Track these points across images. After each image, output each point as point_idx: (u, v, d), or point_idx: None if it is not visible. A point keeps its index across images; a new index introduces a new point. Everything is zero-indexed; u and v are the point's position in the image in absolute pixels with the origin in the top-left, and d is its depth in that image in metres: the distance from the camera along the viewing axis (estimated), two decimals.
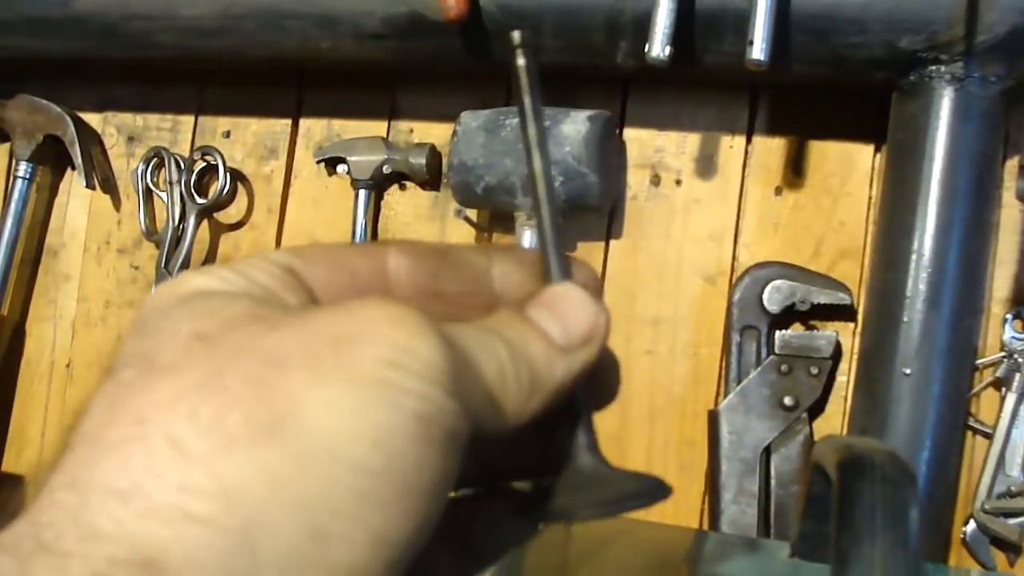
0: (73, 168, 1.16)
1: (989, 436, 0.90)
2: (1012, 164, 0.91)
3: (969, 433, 0.91)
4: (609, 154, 0.96)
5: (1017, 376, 0.90)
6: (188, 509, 0.24)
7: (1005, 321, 0.91)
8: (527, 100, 0.34)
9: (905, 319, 0.82)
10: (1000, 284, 0.92)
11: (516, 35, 0.34)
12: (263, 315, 0.28)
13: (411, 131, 1.07)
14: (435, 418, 0.26)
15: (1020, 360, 0.90)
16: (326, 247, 0.34)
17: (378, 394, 0.26)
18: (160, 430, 0.25)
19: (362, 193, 1.05)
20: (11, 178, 1.17)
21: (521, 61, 0.34)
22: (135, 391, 0.26)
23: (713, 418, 0.93)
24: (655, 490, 0.33)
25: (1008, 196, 0.91)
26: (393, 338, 0.27)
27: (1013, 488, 0.90)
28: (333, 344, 0.27)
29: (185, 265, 1.10)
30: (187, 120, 1.15)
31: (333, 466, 0.25)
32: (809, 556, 0.57)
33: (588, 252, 1.01)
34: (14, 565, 0.23)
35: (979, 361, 0.90)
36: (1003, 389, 0.91)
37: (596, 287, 0.34)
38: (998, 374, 0.91)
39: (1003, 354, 0.91)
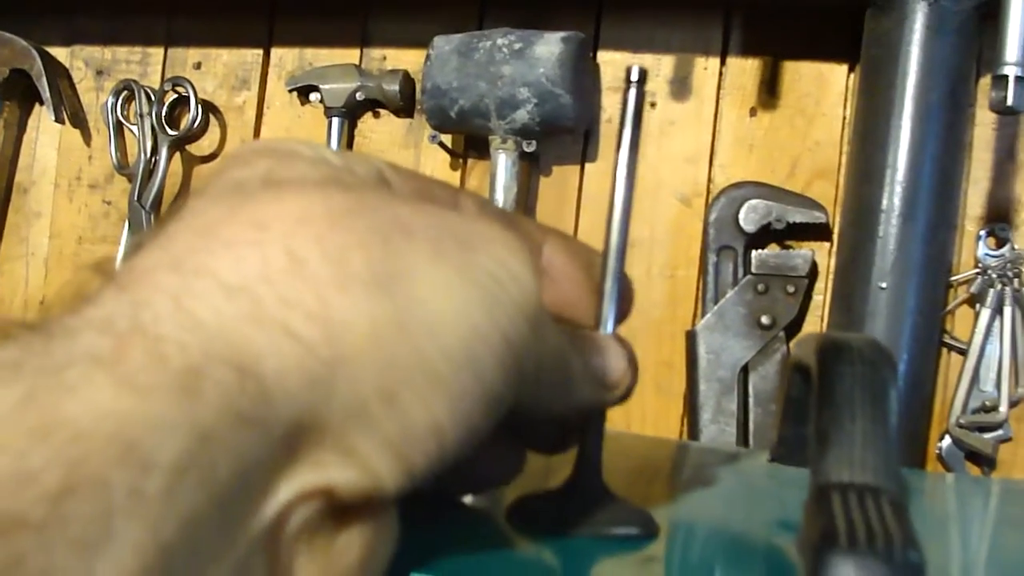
0: (41, 103, 1.14)
1: (964, 352, 0.91)
2: (986, 81, 0.91)
3: (944, 350, 0.91)
4: (583, 76, 0.95)
5: (991, 292, 0.91)
6: (291, 326, 0.24)
7: (979, 238, 0.92)
8: (628, 132, 0.35)
9: (880, 233, 0.82)
10: (974, 202, 0.92)
11: (636, 70, 0.35)
12: (389, 193, 0.29)
13: (384, 58, 1.06)
14: (515, 346, 0.27)
15: (994, 276, 0.91)
16: (412, 173, 0.34)
17: (483, 299, 0.26)
18: (282, 241, 0.24)
19: (335, 121, 1.04)
20: None
21: (633, 95, 0.35)
22: (259, 200, 0.26)
23: (691, 338, 0.93)
24: (647, 524, 0.35)
25: (982, 114, 0.91)
26: (509, 263, 0.27)
27: (987, 403, 0.91)
28: (456, 238, 0.27)
29: (158, 199, 1.09)
30: (156, 52, 1.14)
31: (426, 341, 0.25)
32: (788, 460, 0.57)
33: (564, 175, 1.00)
34: (110, 345, 0.22)
35: (953, 278, 0.91)
36: (977, 305, 0.91)
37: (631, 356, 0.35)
38: (972, 290, 0.91)
39: (977, 270, 0.92)
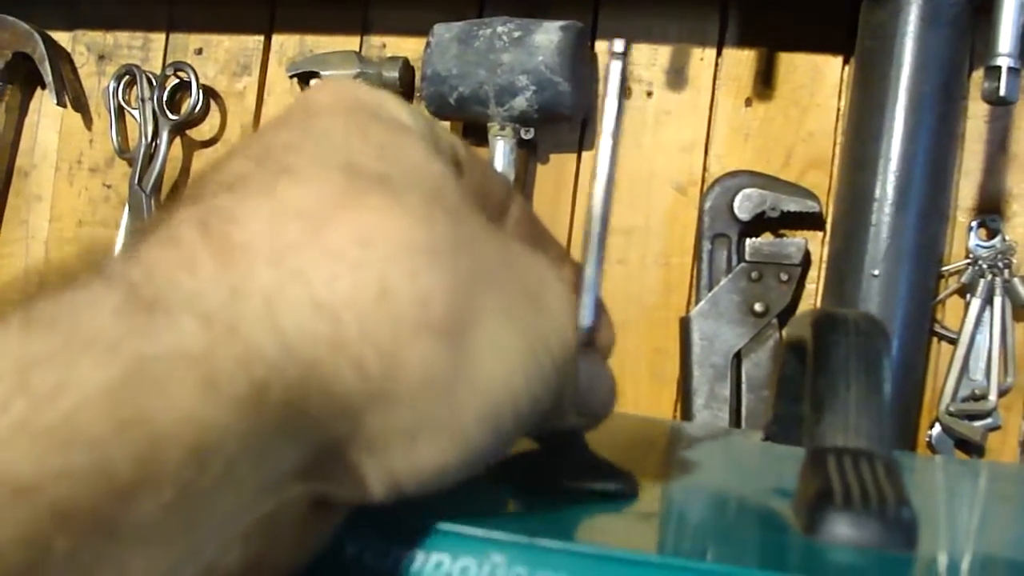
0: (43, 87, 1.15)
1: (954, 342, 0.92)
2: (978, 74, 0.93)
3: (935, 339, 0.93)
4: (582, 65, 0.96)
5: (981, 282, 0.92)
6: (360, 359, 0.25)
7: (970, 229, 0.93)
8: (612, 104, 0.35)
9: (873, 222, 0.84)
10: (966, 193, 0.93)
11: (619, 43, 0.34)
12: (481, 219, 0.29)
13: (383, 46, 1.07)
14: (540, 404, 0.29)
15: (985, 267, 0.92)
16: (479, 158, 0.35)
17: (530, 366, 0.28)
18: (380, 268, 0.25)
19: None
20: None
21: (617, 69, 0.35)
22: (369, 204, 0.26)
23: (684, 325, 0.94)
24: (628, 482, 0.36)
25: (974, 107, 0.92)
26: (561, 322, 0.29)
27: (977, 392, 0.92)
28: (527, 291, 0.28)
29: (158, 182, 1.10)
30: (158, 38, 1.14)
31: (468, 399, 0.26)
32: (782, 439, 0.58)
33: (560, 163, 1.01)
34: (203, 341, 0.23)
35: (945, 268, 0.92)
36: (968, 295, 0.93)
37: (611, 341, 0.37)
38: (963, 280, 0.93)
39: (968, 261, 0.93)
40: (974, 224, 0.93)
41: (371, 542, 0.29)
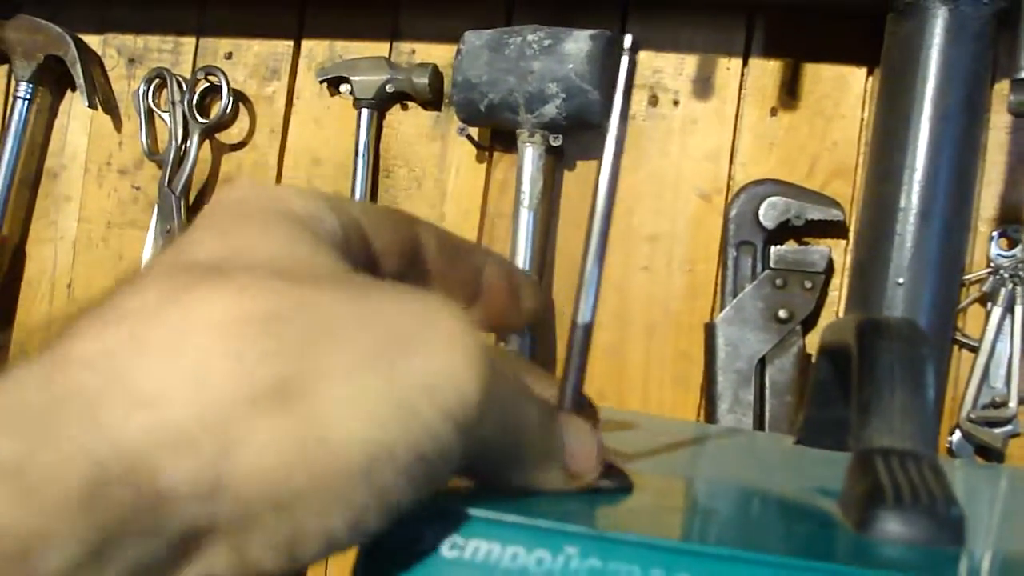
0: (73, 90, 1.17)
1: (975, 349, 0.94)
2: (1001, 86, 0.94)
3: (956, 347, 0.94)
4: (610, 73, 0.98)
5: (1003, 291, 0.93)
6: (191, 441, 0.24)
7: (992, 239, 0.94)
8: (619, 99, 0.35)
9: (898, 231, 0.85)
10: (987, 203, 0.95)
11: (628, 39, 0.34)
12: (342, 277, 0.29)
13: (413, 52, 1.08)
14: (430, 458, 0.27)
15: (1006, 276, 0.93)
16: (386, 211, 0.35)
17: (399, 415, 0.26)
18: (197, 353, 0.25)
19: (364, 113, 1.07)
20: (11, 99, 1.18)
21: (626, 64, 0.34)
22: (193, 296, 0.26)
23: (709, 331, 0.96)
24: (621, 479, 0.35)
25: (996, 118, 0.94)
26: (447, 365, 0.27)
27: (997, 399, 0.93)
28: (392, 339, 0.27)
29: (187, 185, 1.11)
30: (188, 41, 1.16)
31: (323, 458, 0.25)
32: (814, 443, 0.59)
33: (587, 170, 1.03)
34: (19, 452, 0.23)
35: (966, 277, 0.93)
36: (989, 304, 0.94)
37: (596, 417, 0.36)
38: (984, 289, 0.94)
39: (989, 270, 0.94)
40: (995, 234, 0.94)
41: (447, 535, 0.30)
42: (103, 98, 1.17)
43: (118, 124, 1.18)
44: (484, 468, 0.31)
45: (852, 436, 0.41)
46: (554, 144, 0.97)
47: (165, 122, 1.13)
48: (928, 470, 0.37)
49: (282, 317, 0.26)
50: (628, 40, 0.34)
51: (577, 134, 1.00)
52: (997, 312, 0.93)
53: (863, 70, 0.98)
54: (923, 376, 0.42)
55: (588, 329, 0.35)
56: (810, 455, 0.58)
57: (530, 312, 0.38)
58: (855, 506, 0.35)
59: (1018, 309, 0.93)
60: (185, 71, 1.15)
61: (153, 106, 1.14)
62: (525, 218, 0.98)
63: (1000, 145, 0.95)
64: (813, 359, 0.93)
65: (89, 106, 1.14)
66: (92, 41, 1.18)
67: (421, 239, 0.35)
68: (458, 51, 0.98)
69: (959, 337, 0.94)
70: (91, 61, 1.16)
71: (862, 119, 0.97)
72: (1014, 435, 0.93)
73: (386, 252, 0.33)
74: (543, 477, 0.32)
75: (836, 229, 0.96)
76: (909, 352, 0.42)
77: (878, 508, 0.34)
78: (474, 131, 1.03)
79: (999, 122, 0.94)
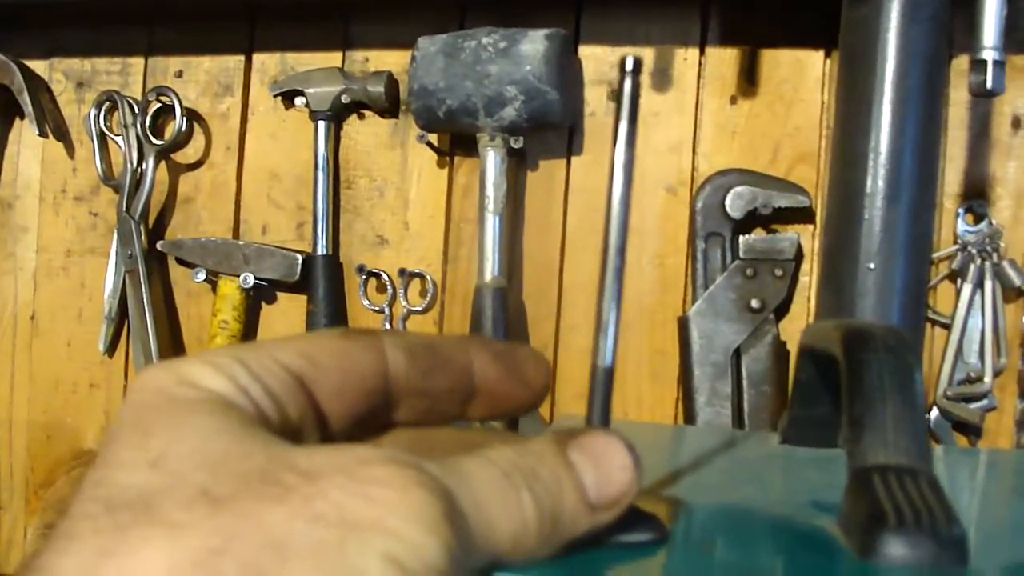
0: (22, 118, 1.15)
1: (947, 326, 0.94)
2: (958, 62, 0.94)
3: (928, 325, 0.94)
4: (568, 71, 0.97)
5: (972, 267, 0.94)
6: None
7: (958, 215, 0.95)
8: (624, 125, 0.33)
9: (866, 216, 0.84)
10: (950, 180, 0.95)
11: (630, 60, 0.33)
12: (275, 474, 0.26)
13: (366, 60, 1.07)
14: None
15: (974, 251, 0.94)
16: (334, 346, 0.33)
17: None
18: None
19: (321, 124, 1.05)
20: None
21: (628, 86, 0.33)
22: (122, 552, 0.25)
23: (683, 324, 0.95)
24: (657, 528, 0.34)
25: (955, 94, 0.94)
26: (403, 533, 0.26)
27: (972, 374, 0.94)
28: (340, 531, 0.25)
29: (146, 208, 1.10)
30: (137, 62, 1.14)
31: None
32: (799, 441, 0.59)
33: (551, 169, 1.02)
34: None
35: (935, 255, 0.94)
36: (959, 280, 0.94)
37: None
38: (954, 266, 0.94)
39: (957, 246, 0.94)
40: (961, 210, 0.95)
41: None
42: (53, 125, 1.14)
43: (70, 150, 1.16)
44: (506, 565, 0.30)
45: (847, 452, 0.40)
46: (515, 146, 0.96)
47: (119, 145, 1.11)
48: (925, 486, 0.37)
49: (222, 551, 0.24)
50: (630, 62, 0.33)
51: (538, 134, 0.99)
52: (967, 288, 0.93)
53: (820, 53, 0.98)
54: (913, 387, 0.41)
55: (609, 373, 0.34)
56: (799, 456, 0.58)
57: (538, 388, 0.36)
58: (857, 530, 0.35)
59: (988, 284, 0.93)
60: (136, 92, 1.13)
61: (105, 130, 1.12)
62: (491, 222, 0.97)
63: (960, 121, 0.95)
64: (793, 353, 0.94)
65: (40, 135, 1.12)
66: (38, 66, 1.16)
67: (387, 359, 0.33)
68: (413, 58, 0.97)
69: (931, 315, 0.94)
70: (38, 88, 1.14)
71: (822, 102, 0.97)
72: (990, 409, 0.94)
73: (339, 395, 0.32)
74: (570, 529, 0.31)
75: (803, 215, 0.96)
76: (896, 363, 0.42)
77: (881, 532, 0.34)
78: (433, 137, 1.02)
79: (958, 98, 0.94)
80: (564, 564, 0.31)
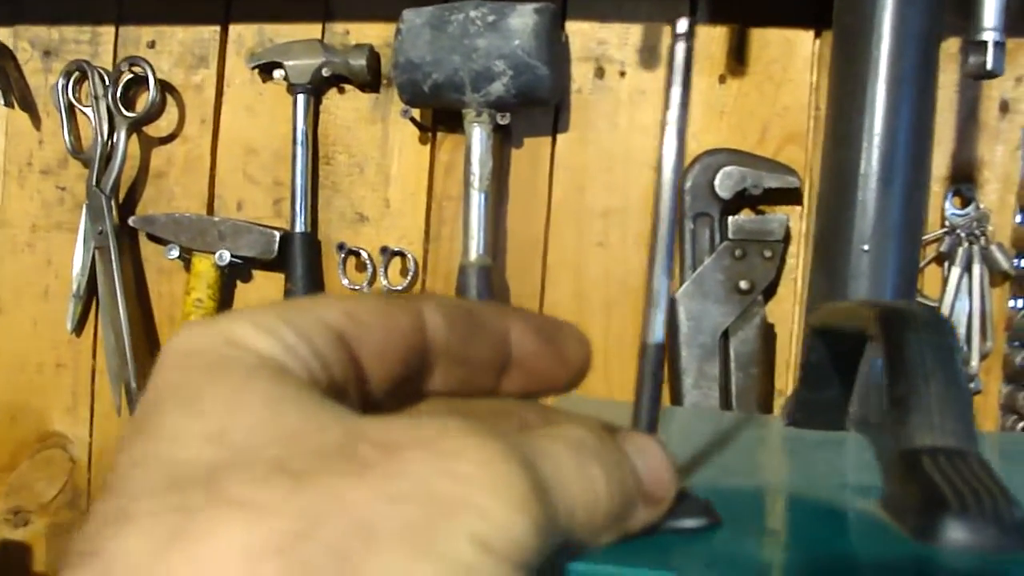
0: None
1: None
2: (947, 45, 0.93)
3: None
4: (556, 47, 0.95)
5: (960, 251, 0.93)
6: None
7: (945, 198, 0.94)
8: (677, 91, 0.32)
9: (860, 197, 0.84)
10: (938, 163, 0.94)
11: (683, 23, 0.31)
12: (352, 447, 0.24)
13: (347, 33, 1.05)
14: None
15: (962, 235, 0.93)
16: (376, 305, 0.31)
17: (447, 562, 0.23)
18: None
19: (300, 98, 1.03)
20: None
21: (681, 50, 0.31)
22: (196, 534, 0.23)
23: (670, 305, 0.94)
24: (710, 513, 0.33)
25: (944, 77, 0.93)
26: (491, 511, 0.24)
27: None
28: (426, 512, 0.23)
29: (117, 182, 1.07)
30: (107, 31, 1.11)
31: None
32: (808, 424, 0.58)
33: (536, 147, 1.00)
34: None
35: (923, 238, 0.93)
36: (946, 264, 0.94)
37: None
38: (942, 249, 0.94)
39: (945, 230, 0.94)
40: (949, 193, 0.94)
41: None
42: (19, 95, 1.11)
43: (36, 121, 1.12)
44: (569, 550, 0.28)
45: (890, 433, 0.39)
46: (502, 123, 0.95)
47: (88, 117, 1.08)
48: (978, 468, 0.36)
49: (308, 535, 0.23)
50: (682, 24, 0.31)
51: (524, 111, 0.97)
52: (956, 271, 0.93)
53: (810, 33, 0.97)
54: (955, 366, 0.40)
55: (660, 350, 0.32)
56: (812, 438, 0.57)
57: (578, 367, 0.35)
58: (912, 512, 0.34)
59: (975, 268, 0.93)
60: (106, 62, 1.09)
61: (74, 101, 1.09)
62: (476, 200, 0.96)
63: (949, 103, 0.94)
64: (781, 336, 0.93)
65: (5, 105, 1.08)
66: (2, 34, 1.12)
67: (426, 322, 0.32)
68: (398, 30, 0.94)
69: (918, 298, 0.93)
70: (3, 56, 1.10)
71: (811, 82, 0.96)
72: (975, 393, 0.94)
73: (380, 356, 0.30)
74: (631, 514, 0.29)
75: (792, 196, 0.95)
76: (939, 342, 0.41)
77: (943, 516, 0.33)
78: (416, 112, 1.00)
79: (947, 81, 0.93)
80: (631, 549, 0.30)
